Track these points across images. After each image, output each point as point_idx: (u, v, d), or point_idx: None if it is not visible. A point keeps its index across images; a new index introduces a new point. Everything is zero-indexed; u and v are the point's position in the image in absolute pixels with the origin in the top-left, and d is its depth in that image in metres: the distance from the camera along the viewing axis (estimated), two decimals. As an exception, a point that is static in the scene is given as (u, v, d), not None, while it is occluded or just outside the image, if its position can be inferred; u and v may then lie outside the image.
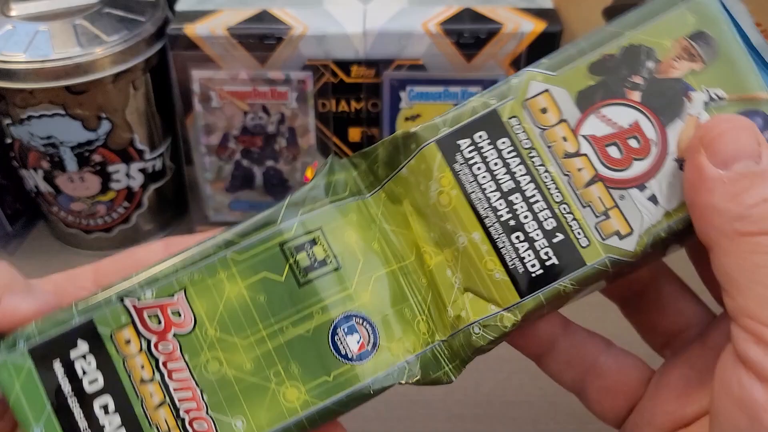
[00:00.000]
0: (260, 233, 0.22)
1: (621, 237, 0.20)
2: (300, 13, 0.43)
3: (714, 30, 0.21)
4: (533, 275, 0.21)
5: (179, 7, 0.44)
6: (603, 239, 0.20)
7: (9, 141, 0.44)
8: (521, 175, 0.21)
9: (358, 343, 0.22)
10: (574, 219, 0.20)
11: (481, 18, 0.43)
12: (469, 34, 0.42)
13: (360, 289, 0.22)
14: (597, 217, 0.20)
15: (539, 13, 0.43)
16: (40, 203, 0.49)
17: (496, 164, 0.21)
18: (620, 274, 0.21)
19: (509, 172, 0.21)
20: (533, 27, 0.42)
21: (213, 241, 0.22)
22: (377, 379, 0.21)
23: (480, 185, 0.21)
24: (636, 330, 0.27)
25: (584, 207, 0.20)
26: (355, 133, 0.46)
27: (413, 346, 0.22)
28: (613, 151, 0.21)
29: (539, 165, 0.21)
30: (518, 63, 0.43)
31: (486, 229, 0.21)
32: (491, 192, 0.21)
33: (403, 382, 0.22)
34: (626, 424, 0.25)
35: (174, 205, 0.51)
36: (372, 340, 0.22)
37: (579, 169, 0.21)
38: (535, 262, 0.20)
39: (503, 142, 0.21)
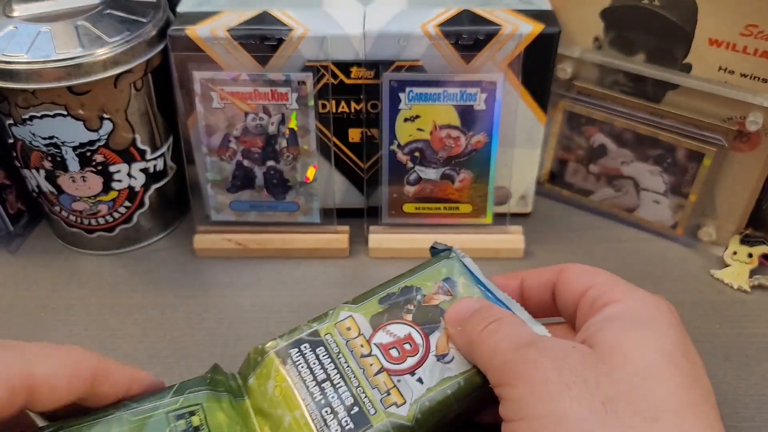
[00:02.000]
0: (152, 402, 0.28)
1: (398, 406, 0.29)
2: (300, 14, 0.44)
3: (456, 276, 0.34)
4: None
5: (180, 8, 0.45)
6: (385, 408, 0.29)
7: (11, 141, 0.44)
8: (331, 370, 0.30)
9: None
10: (366, 397, 0.29)
11: (479, 20, 0.43)
12: (468, 36, 0.42)
13: None
14: (382, 394, 0.29)
15: (538, 14, 0.43)
16: (41, 203, 0.49)
17: (314, 364, 0.30)
18: None
19: (323, 368, 0.30)
20: (532, 29, 0.42)
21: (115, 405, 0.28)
22: None
23: (302, 378, 0.30)
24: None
25: (373, 388, 0.30)
26: (355, 134, 0.47)
27: None
28: (393, 352, 0.31)
29: (344, 363, 0.31)
30: (516, 65, 0.43)
31: (306, 407, 0.29)
32: (309, 382, 0.30)
33: None
34: None
35: (175, 205, 0.52)
36: None
37: (371, 365, 0.31)
38: (338, 428, 0.28)
39: (320, 350, 0.31)
